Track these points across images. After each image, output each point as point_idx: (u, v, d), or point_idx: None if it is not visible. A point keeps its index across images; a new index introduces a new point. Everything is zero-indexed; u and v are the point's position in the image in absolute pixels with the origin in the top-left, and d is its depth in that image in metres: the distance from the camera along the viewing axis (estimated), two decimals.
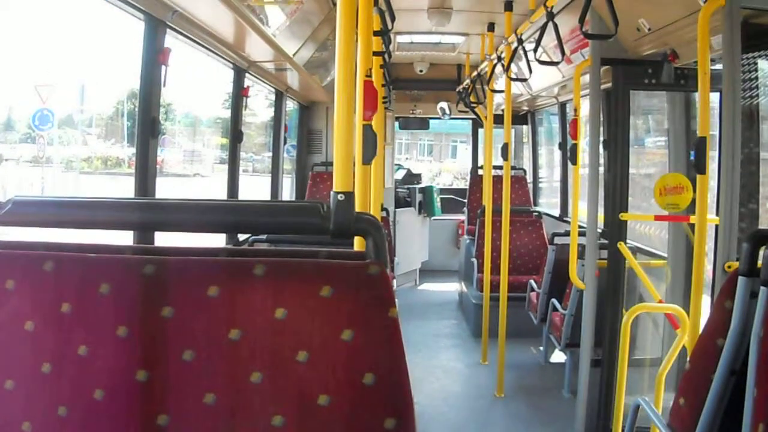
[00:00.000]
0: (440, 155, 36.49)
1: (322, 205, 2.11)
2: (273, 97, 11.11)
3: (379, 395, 2.04)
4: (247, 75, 8.49)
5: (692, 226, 5.97)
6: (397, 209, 14.62)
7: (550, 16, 6.31)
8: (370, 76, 4.81)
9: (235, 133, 8.53)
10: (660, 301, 6.61)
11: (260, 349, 2.06)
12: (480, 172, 13.99)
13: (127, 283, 2.09)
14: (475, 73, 11.47)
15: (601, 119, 8.97)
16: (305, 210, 2.13)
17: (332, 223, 2.10)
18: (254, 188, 11.97)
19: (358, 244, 3.48)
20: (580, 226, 7.67)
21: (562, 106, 12.45)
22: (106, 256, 2.13)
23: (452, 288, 14.93)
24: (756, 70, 6.15)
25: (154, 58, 5.56)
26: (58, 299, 2.11)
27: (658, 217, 6.83)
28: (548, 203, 14.78)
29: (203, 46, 6.76)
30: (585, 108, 8.58)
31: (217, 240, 7.48)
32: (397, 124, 15.75)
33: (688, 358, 3.74)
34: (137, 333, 2.09)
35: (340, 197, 2.23)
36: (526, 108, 15.12)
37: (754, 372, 2.84)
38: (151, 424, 2.09)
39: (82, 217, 2.20)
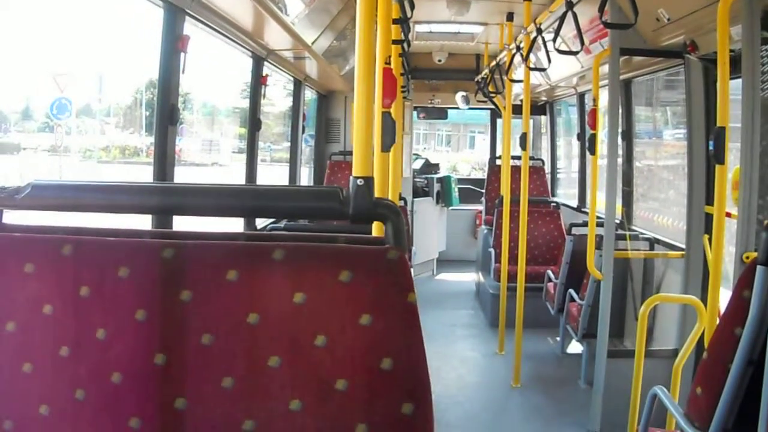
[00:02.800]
0: (458, 146, 36.45)
1: (341, 190, 2.10)
2: (291, 86, 11.12)
3: (397, 380, 2.04)
4: (265, 63, 8.50)
5: None
6: (414, 199, 14.64)
7: (570, 5, 6.30)
8: (389, 63, 4.82)
9: (253, 122, 8.55)
10: None
11: (278, 334, 2.06)
12: (498, 162, 13.94)
13: (145, 267, 2.09)
14: (493, 63, 11.46)
15: (621, 110, 8.98)
16: (324, 195, 2.13)
17: (351, 207, 2.09)
18: (272, 177, 11.98)
19: (376, 229, 3.49)
20: (598, 217, 7.65)
21: (581, 96, 12.45)
22: (124, 239, 2.13)
23: (469, 278, 14.92)
24: None
25: (173, 46, 5.57)
26: (77, 283, 2.11)
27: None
28: (566, 194, 14.77)
29: (222, 33, 6.77)
30: (604, 98, 8.57)
31: (235, 228, 7.48)
32: (415, 113, 15.76)
33: (705, 348, 3.73)
34: (156, 316, 2.09)
35: (360, 182, 2.23)
36: (544, 98, 15.12)
37: None
38: (168, 407, 2.10)
39: (100, 201, 2.20)
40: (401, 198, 9.97)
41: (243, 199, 2.19)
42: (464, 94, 15.03)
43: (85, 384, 2.12)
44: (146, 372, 2.10)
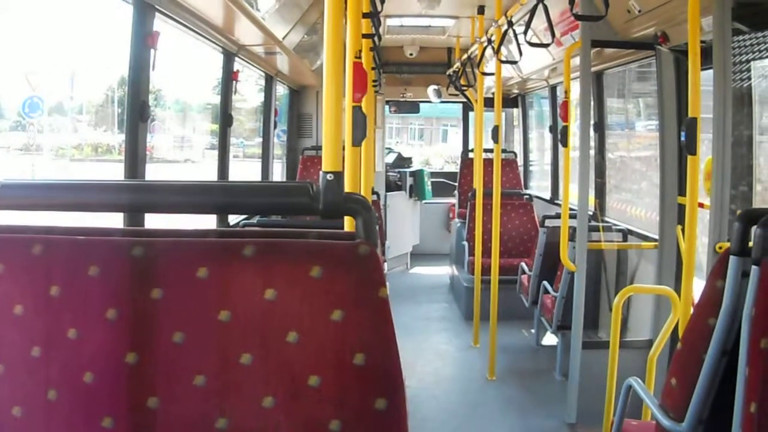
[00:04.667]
0: (431, 139, 36.47)
1: (311, 185, 2.10)
2: (263, 81, 11.10)
3: (370, 375, 2.04)
4: (236, 59, 8.47)
5: None
6: (387, 193, 14.66)
7: None
8: (359, 57, 4.81)
9: (224, 118, 8.52)
10: None
11: (250, 331, 2.05)
12: (471, 155, 13.97)
13: (116, 266, 2.08)
14: (465, 56, 11.46)
15: (592, 102, 8.98)
16: (294, 190, 2.12)
17: (321, 203, 2.09)
18: (245, 173, 11.97)
19: (348, 224, 3.49)
20: (570, 209, 7.66)
21: (553, 88, 12.48)
22: (95, 238, 2.12)
23: (443, 271, 14.92)
24: (746, 53, 6.16)
25: (143, 42, 5.54)
26: (47, 282, 2.10)
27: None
28: (539, 186, 14.81)
29: (192, 29, 6.74)
30: (575, 90, 8.58)
31: (209, 225, 7.45)
32: (387, 107, 15.76)
33: (680, 339, 3.74)
34: (127, 315, 2.08)
35: (329, 177, 2.23)
36: (516, 91, 15.16)
37: (745, 352, 2.84)
38: (140, 406, 2.09)
39: (71, 199, 2.19)
40: (374, 192, 9.97)
41: (213, 196, 2.19)
42: (436, 87, 15.04)
43: (57, 384, 2.11)
44: (118, 371, 2.09)
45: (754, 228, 2.95)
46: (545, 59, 10.35)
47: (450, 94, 14.18)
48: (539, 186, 14.81)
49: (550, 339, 10.02)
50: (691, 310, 4.38)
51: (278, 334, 2.04)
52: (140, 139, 5.66)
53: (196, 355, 2.07)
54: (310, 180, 1.97)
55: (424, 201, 16.20)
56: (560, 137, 8.58)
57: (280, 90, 12.59)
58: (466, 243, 12.19)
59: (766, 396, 2.75)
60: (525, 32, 6.82)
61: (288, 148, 13.48)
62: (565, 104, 8.34)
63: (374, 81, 8.55)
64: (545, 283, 9.13)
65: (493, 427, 7.62)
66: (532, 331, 10.42)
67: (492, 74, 9.39)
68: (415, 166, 17.65)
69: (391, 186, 15.35)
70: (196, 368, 2.07)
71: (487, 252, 10.05)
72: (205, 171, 10.85)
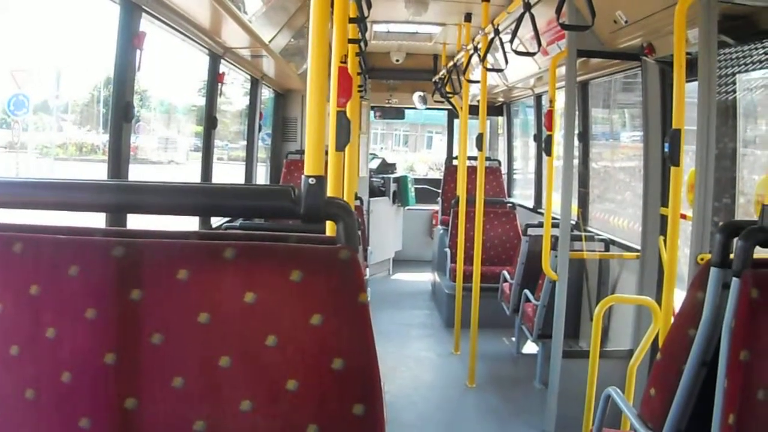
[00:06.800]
0: (416, 146, 36.51)
1: (293, 189, 2.10)
2: (248, 84, 11.08)
3: (348, 381, 2.04)
4: (222, 61, 8.46)
5: None
6: (371, 198, 14.63)
7: (527, 6, 6.30)
8: (345, 62, 4.81)
9: (209, 120, 8.50)
10: None
11: (229, 333, 2.05)
12: (455, 162, 13.97)
13: (96, 265, 2.08)
14: (451, 64, 11.47)
15: (577, 112, 8.99)
16: (276, 193, 2.12)
17: (303, 206, 2.09)
18: (229, 176, 11.95)
19: (329, 229, 3.48)
20: (553, 218, 7.67)
21: (538, 97, 12.50)
22: (76, 237, 2.11)
23: (425, 278, 14.93)
24: (732, 65, 6.17)
25: (129, 42, 5.53)
26: (27, 281, 2.09)
27: None
28: (522, 194, 14.82)
29: (179, 31, 6.72)
30: (561, 100, 8.60)
31: (191, 227, 7.42)
32: (372, 113, 15.75)
33: (659, 349, 3.74)
34: (106, 315, 2.07)
35: (311, 181, 2.22)
36: (501, 99, 15.18)
37: (725, 363, 2.85)
38: (119, 407, 2.09)
39: (53, 198, 2.18)
40: (357, 197, 9.96)
41: (195, 198, 2.18)
42: (421, 94, 15.08)
43: (35, 384, 2.10)
44: (97, 371, 2.08)
45: (735, 240, 2.95)
46: (531, 68, 10.37)
47: (435, 101, 14.21)
48: (523, 194, 14.83)
49: (530, 347, 10.03)
50: (672, 321, 4.38)
51: (257, 338, 2.04)
52: (124, 140, 5.64)
53: (175, 356, 2.06)
54: (294, 184, 1.94)
55: (407, 207, 16.17)
56: (544, 146, 8.60)
57: (266, 93, 12.57)
58: (448, 250, 12.20)
59: (745, 408, 2.76)
60: (511, 41, 6.83)
61: (272, 152, 13.47)
62: (550, 113, 8.35)
63: (359, 86, 8.54)
64: (527, 291, 9.14)
65: None
66: (513, 339, 10.43)
67: (477, 82, 9.40)
68: (400, 172, 17.60)
69: (375, 191, 15.33)
70: (174, 370, 2.07)
71: (469, 259, 10.07)
72: (189, 173, 10.82)
